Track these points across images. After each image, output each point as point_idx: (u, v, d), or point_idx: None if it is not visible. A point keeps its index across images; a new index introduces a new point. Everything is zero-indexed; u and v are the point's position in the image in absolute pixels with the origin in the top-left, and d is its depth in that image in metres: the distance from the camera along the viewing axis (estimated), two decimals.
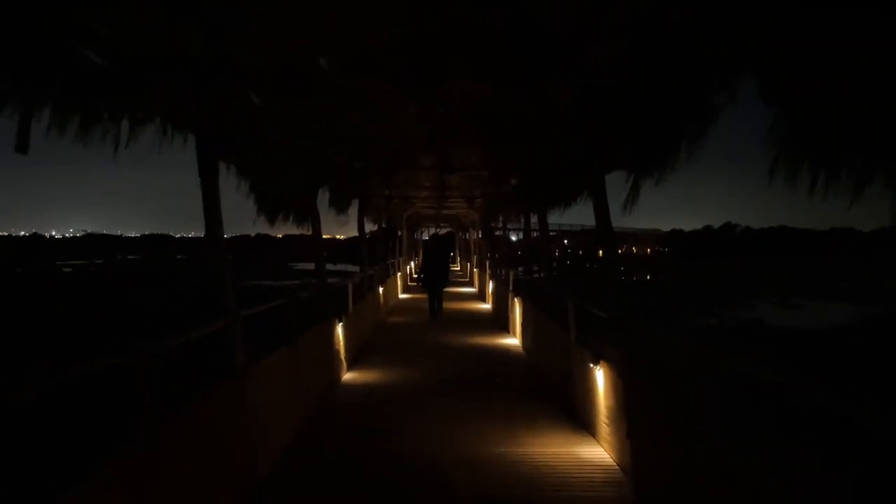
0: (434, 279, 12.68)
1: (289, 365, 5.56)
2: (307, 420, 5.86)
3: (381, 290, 13.32)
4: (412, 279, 25.76)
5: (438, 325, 12.59)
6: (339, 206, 10.20)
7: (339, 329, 7.87)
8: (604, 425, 5.00)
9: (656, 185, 4.59)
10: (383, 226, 14.96)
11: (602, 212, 4.77)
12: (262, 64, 4.35)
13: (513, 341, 10.64)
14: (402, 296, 19.28)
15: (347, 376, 7.87)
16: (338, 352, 7.68)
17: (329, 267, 12.48)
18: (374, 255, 13.85)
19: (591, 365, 5.13)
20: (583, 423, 5.59)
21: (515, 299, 10.88)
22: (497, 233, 15.92)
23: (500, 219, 16.26)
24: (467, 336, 11.15)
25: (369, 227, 14.07)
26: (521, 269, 13.16)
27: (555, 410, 6.13)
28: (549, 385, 7.16)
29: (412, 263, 28.44)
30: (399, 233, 22.66)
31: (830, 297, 36.46)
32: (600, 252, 5.08)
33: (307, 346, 6.27)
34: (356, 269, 12.76)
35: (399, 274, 19.29)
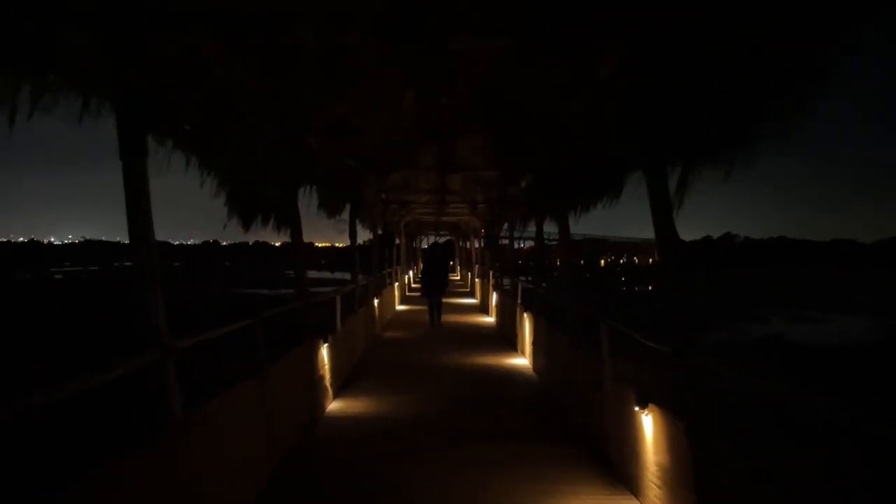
0: (434, 287, 12.81)
1: (256, 402, 4.45)
2: (279, 468, 4.73)
3: (376, 302, 12.21)
4: (410, 289, 24.70)
5: (438, 342, 11.48)
6: (330, 209, 9.10)
7: (325, 351, 6.75)
8: (653, 486, 3.87)
9: (724, 180, 3.52)
10: (379, 233, 13.86)
11: (662, 213, 3.66)
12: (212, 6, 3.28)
13: (521, 361, 9.51)
14: (399, 307, 18.15)
15: (334, 406, 6.74)
16: (322, 378, 6.56)
17: (326, 275, 11.52)
18: (370, 264, 12.73)
19: (637, 408, 4.01)
20: (621, 477, 4.46)
21: (525, 314, 9.76)
22: (503, 241, 14.83)
23: (505, 226, 15.19)
24: (470, 354, 10.02)
25: (365, 234, 13.01)
26: (523, 279, 12.17)
27: (582, 455, 5.01)
28: (570, 419, 6.03)
29: (410, 273, 27.36)
30: (397, 241, 21.56)
31: (842, 309, 35.31)
32: (650, 259, 3.89)
33: (283, 375, 5.16)
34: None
35: (397, 284, 18.17)
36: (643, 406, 3.95)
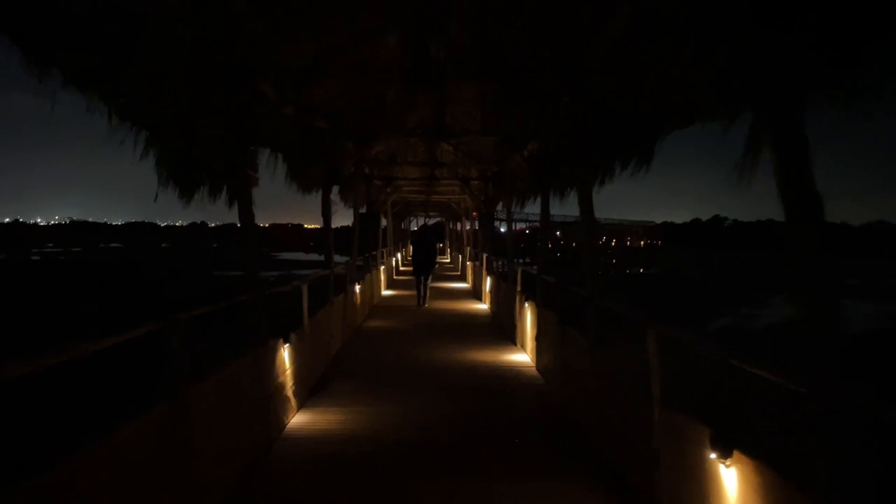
0: (422, 266, 13.53)
1: (166, 436, 3.16)
2: None
3: (357, 288, 10.93)
4: (399, 272, 23.45)
5: (427, 332, 10.25)
6: (303, 183, 7.77)
7: (286, 353, 5.47)
8: None
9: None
10: (362, 212, 12.54)
11: (795, 165, 2.37)
12: None
13: (522, 358, 8.28)
14: (386, 292, 16.88)
15: (297, 421, 5.47)
16: (281, 387, 5.28)
17: (313, 258, 10.30)
18: (353, 246, 11.42)
19: (713, 456, 2.77)
20: None
21: (526, 304, 8.52)
22: (498, 222, 13.59)
23: (499, 206, 13.90)
24: (463, 349, 8.77)
25: (342, 216, 11.67)
26: (518, 261, 11.30)
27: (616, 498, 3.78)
28: (598, 449, 4.76)
29: (399, 255, 26.09)
30: (384, 221, 20.26)
31: (840, 294, 34.25)
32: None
33: (219, 392, 3.88)
34: (344, 259, 11.08)
35: (383, 267, 16.87)
36: (724, 454, 2.70)
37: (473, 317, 12.52)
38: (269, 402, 4.92)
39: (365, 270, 12.60)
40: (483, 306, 14.06)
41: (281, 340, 5.35)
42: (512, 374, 7.40)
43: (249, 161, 5.84)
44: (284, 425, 5.26)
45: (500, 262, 13.32)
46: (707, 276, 45.46)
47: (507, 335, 9.85)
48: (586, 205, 5.22)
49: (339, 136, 7.32)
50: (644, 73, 3.85)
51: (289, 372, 5.53)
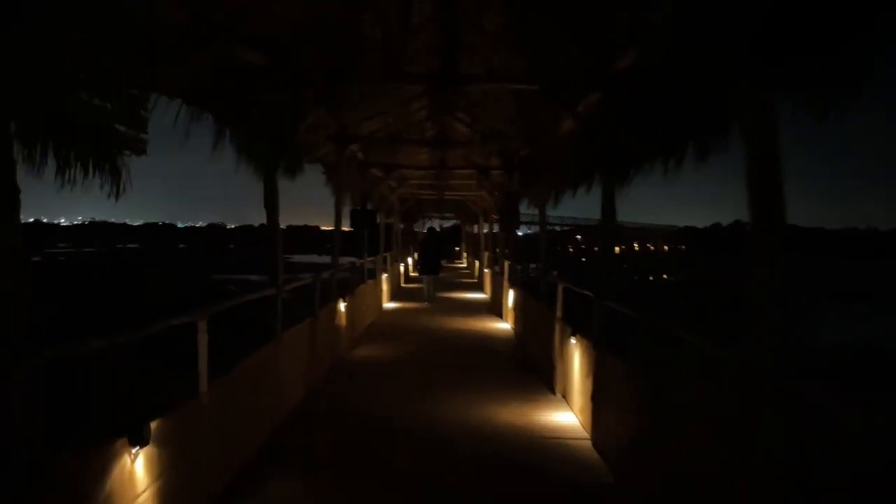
0: (429, 268, 14.51)
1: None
2: None
3: (341, 307, 8.32)
4: (407, 279, 20.89)
5: (431, 367, 7.68)
6: (253, 156, 5.14)
7: (139, 466, 2.86)
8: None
9: None
10: (352, 207, 10.00)
11: None
12: None
13: (566, 420, 5.59)
14: (389, 305, 14.27)
15: None
16: None
17: (327, 259, 8.19)
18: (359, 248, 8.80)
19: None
20: None
21: (572, 339, 5.85)
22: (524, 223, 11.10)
23: (525, 202, 11.23)
24: (478, 397, 6.15)
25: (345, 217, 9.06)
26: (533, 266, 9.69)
27: None
28: None
29: (409, 260, 23.50)
30: (389, 220, 17.75)
31: (891, 302, 31.09)
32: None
33: None
34: (351, 260, 9.78)
35: (385, 276, 14.24)
36: None
37: (493, 341, 9.85)
38: None
39: (353, 282, 9.97)
40: (504, 326, 11.38)
41: (126, 441, 2.73)
42: (555, 456, 4.72)
43: (127, 110, 3.43)
44: None
45: (517, 267, 10.69)
46: (736, 283, 42.05)
47: (539, 373, 7.20)
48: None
49: (290, 81, 4.69)
50: None
51: (151, 491, 2.92)
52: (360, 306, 10.10)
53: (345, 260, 11.06)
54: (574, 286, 6.09)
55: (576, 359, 5.70)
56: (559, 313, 6.46)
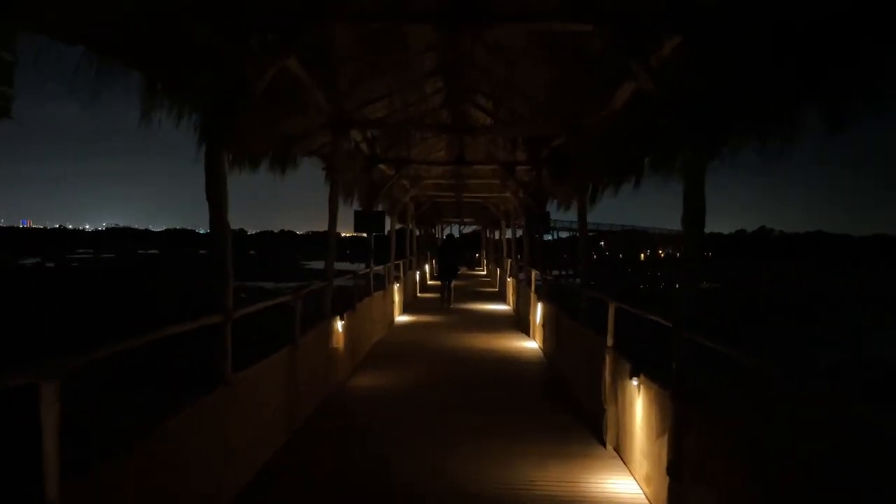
0: (446, 273, 15.20)
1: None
2: None
3: (338, 326, 6.92)
4: (424, 288, 19.53)
5: (444, 405, 6.20)
6: (208, 133, 3.76)
7: None
8: None
9: None
10: (357, 210, 8.62)
11: None
12: None
13: (627, 488, 4.11)
14: (400, 318, 12.85)
15: None
16: None
17: (345, 266, 6.94)
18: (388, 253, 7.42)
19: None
20: None
21: (638, 384, 4.34)
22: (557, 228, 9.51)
23: (552, 203, 9.76)
24: (512, 451, 4.71)
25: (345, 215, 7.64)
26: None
27: None
28: None
29: (427, 267, 22.14)
30: (402, 224, 16.48)
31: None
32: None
33: None
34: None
35: (397, 286, 12.83)
36: None
37: (520, 367, 8.34)
38: None
39: (357, 294, 8.56)
40: (532, 345, 9.90)
41: None
42: None
43: None
44: None
45: (545, 277, 9.20)
46: (775, 291, 40.05)
47: (580, 413, 5.74)
48: None
49: (236, 13, 3.28)
50: None
51: None
52: (363, 323, 8.70)
53: (358, 269, 9.72)
54: (631, 307, 4.60)
55: (638, 407, 4.21)
56: (611, 341, 4.97)
